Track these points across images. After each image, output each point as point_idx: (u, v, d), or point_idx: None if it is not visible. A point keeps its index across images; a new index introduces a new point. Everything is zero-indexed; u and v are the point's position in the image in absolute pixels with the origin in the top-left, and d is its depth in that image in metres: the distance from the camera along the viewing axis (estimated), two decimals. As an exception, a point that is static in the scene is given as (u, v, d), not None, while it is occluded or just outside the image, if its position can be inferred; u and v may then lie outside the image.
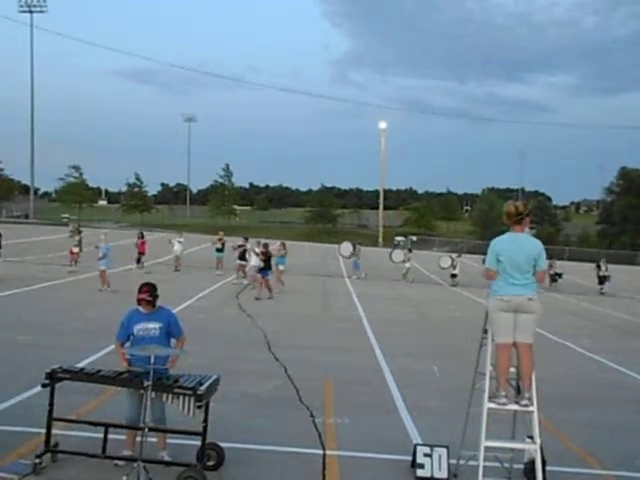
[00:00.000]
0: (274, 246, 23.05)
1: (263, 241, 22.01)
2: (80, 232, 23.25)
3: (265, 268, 19.81)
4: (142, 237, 16.88)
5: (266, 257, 19.86)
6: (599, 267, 32.04)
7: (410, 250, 34.53)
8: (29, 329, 12.33)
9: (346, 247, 32.28)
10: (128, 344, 6.22)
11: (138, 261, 24.76)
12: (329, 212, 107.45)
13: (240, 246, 22.82)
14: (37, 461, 5.69)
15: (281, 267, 22.22)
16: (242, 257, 23.00)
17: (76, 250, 20.39)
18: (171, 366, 6.25)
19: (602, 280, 31.60)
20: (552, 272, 32.43)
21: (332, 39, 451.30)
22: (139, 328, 6.15)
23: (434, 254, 61.01)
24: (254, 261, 21.41)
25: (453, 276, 31.31)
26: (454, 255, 33.57)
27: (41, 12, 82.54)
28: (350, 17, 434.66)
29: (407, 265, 31.61)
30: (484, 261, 6.05)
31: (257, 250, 21.28)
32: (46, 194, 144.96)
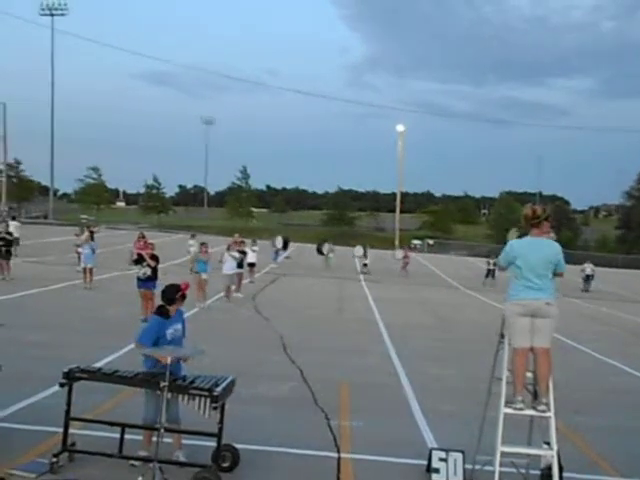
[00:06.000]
0: (193, 248, 20.22)
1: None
2: (92, 232, 23.29)
3: (153, 278, 14.56)
4: (143, 237, 16.14)
5: (156, 262, 14.80)
6: (488, 262, 33.96)
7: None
8: (46, 328, 12.44)
9: (279, 240, 36.46)
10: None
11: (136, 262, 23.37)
12: (346, 215, 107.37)
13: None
14: (54, 460, 5.73)
15: (204, 276, 17.32)
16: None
17: (80, 250, 20.70)
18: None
19: (489, 273, 33.58)
20: (585, 274, 33.41)
21: (350, 43, 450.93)
22: (170, 332, 6.24)
23: (453, 258, 60.86)
24: (228, 266, 18.90)
25: (364, 265, 35.00)
26: (367, 246, 37.73)
27: (62, 15, 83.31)
28: (368, 21, 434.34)
29: (331, 255, 37.00)
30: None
31: (233, 253, 19.13)
32: (65, 195, 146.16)
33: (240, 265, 20.21)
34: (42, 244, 35.33)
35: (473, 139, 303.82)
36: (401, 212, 78.30)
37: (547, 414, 5.43)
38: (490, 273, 33.17)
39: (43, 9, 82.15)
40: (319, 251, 37.95)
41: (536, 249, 5.57)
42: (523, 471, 6.11)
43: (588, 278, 34.57)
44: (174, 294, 6.36)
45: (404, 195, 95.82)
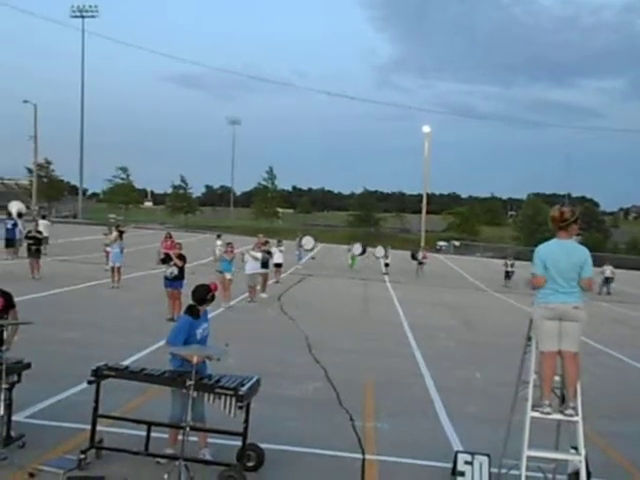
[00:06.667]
0: (219, 248, 20.41)
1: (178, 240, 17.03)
2: (121, 232, 23.64)
3: (180, 277, 14.55)
4: (170, 237, 16.12)
5: (183, 262, 14.72)
6: (506, 264, 34.31)
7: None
8: (75, 327, 12.60)
9: (308, 241, 37.08)
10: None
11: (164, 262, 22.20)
12: (371, 216, 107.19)
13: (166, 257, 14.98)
14: (82, 457, 5.81)
15: (228, 275, 17.27)
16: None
17: (109, 249, 20.99)
18: None
19: (508, 275, 33.77)
20: (604, 276, 32.95)
21: (377, 44, 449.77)
22: (200, 332, 6.32)
23: (479, 260, 60.44)
24: (250, 266, 18.86)
25: (386, 265, 35.58)
26: (388, 246, 38.12)
27: (92, 17, 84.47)
28: (394, 22, 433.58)
29: (351, 255, 37.14)
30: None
31: (254, 253, 19.06)
32: (94, 195, 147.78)
33: (265, 265, 20.27)
34: (71, 243, 35.80)
35: (501, 140, 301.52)
36: (427, 213, 77.84)
37: (575, 418, 5.37)
38: (508, 275, 33.16)
39: (74, 11, 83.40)
40: (363, 251, 37.77)
41: (564, 252, 5.50)
42: (550, 476, 6.04)
43: (607, 280, 34.05)
44: (205, 294, 6.43)
45: (430, 196, 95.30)
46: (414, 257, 36.70)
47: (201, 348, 6.04)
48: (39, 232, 21.19)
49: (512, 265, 33.66)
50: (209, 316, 6.78)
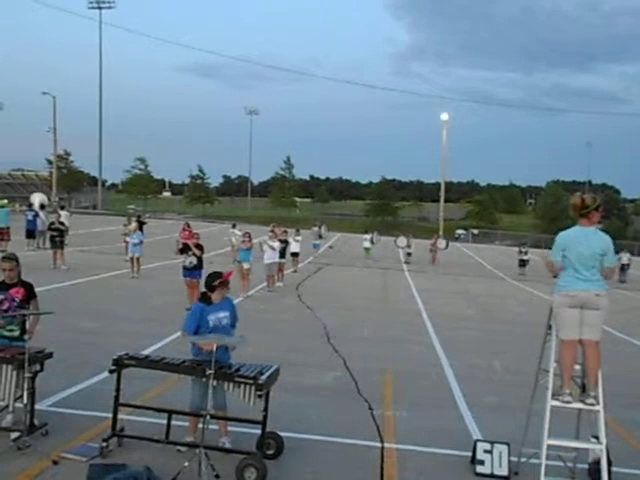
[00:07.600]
0: (235, 237, 20.48)
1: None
2: (142, 223, 23.82)
3: (199, 267, 14.54)
4: (189, 227, 16.08)
5: (201, 251, 14.67)
6: (520, 252, 34.06)
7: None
8: (95, 316, 12.72)
9: (326, 230, 39.35)
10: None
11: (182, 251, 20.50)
12: (389, 205, 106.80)
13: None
14: (104, 445, 5.88)
15: (246, 265, 17.40)
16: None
17: (128, 239, 21.21)
18: None
19: (523, 263, 33.55)
20: (621, 263, 32.54)
21: (395, 31, 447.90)
22: (213, 319, 6.27)
23: (497, 248, 60.09)
24: (268, 256, 18.79)
25: (408, 254, 36.09)
26: (410, 236, 38.24)
27: (109, 8, 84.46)
28: (412, 9, 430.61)
29: (367, 245, 36.32)
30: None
31: (271, 243, 18.89)
32: (113, 185, 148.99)
33: (282, 255, 20.32)
34: (91, 234, 36.09)
35: (521, 127, 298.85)
36: (445, 202, 77.46)
37: (596, 407, 5.34)
38: (523, 262, 32.94)
39: (91, 2, 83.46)
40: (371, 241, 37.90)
41: (585, 240, 5.45)
42: (570, 465, 6.02)
43: (623, 267, 33.68)
44: (213, 281, 6.39)
45: (448, 185, 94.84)
46: (447, 245, 37.67)
47: (217, 337, 6.03)
48: (62, 223, 21.37)
49: (526, 252, 33.38)
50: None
